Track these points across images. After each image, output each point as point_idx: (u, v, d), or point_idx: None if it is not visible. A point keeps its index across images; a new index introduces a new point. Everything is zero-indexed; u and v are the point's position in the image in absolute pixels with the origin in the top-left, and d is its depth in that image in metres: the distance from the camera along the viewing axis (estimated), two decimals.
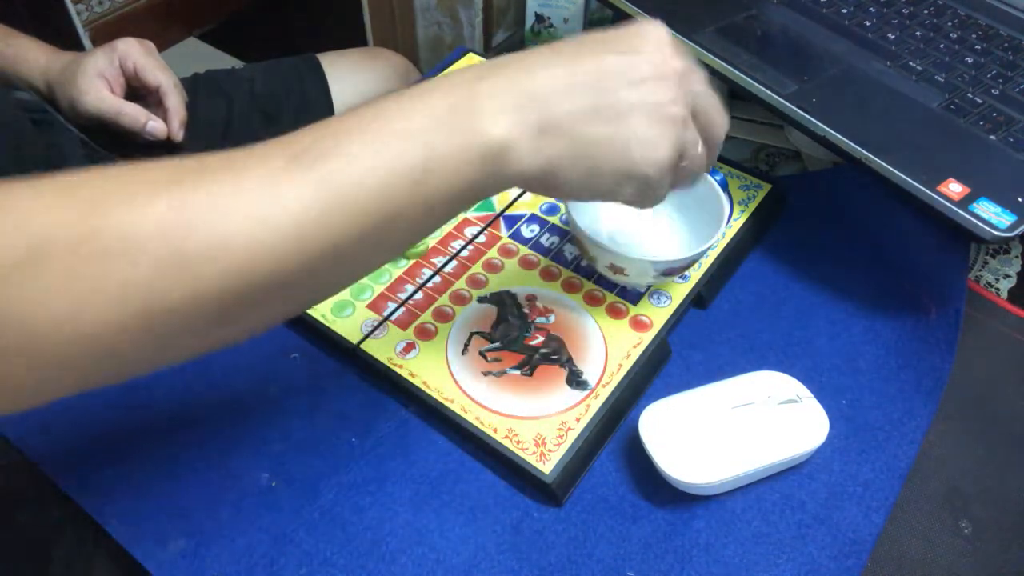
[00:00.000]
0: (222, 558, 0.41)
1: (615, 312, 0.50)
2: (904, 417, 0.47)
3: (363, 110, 0.30)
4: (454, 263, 0.53)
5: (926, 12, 0.62)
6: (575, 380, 0.47)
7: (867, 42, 0.59)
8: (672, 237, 0.54)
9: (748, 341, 0.51)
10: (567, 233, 0.56)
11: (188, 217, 0.26)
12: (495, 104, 0.30)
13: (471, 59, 0.70)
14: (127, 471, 0.44)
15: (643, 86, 0.32)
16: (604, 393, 0.46)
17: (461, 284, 0.52)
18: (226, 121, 0.75)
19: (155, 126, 0.66)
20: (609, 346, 0.48)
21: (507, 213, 0.57)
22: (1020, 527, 0.44)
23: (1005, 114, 0.53)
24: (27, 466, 0.44)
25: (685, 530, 0.42)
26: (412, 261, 0.53)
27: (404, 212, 0.30)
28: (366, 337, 0.49)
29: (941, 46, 0.59)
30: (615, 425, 0.46)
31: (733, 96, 0.68)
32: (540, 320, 0.50)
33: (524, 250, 0.55)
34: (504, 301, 0.51)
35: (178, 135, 0.68)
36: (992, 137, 0.52)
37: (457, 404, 0.45)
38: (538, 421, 0.45)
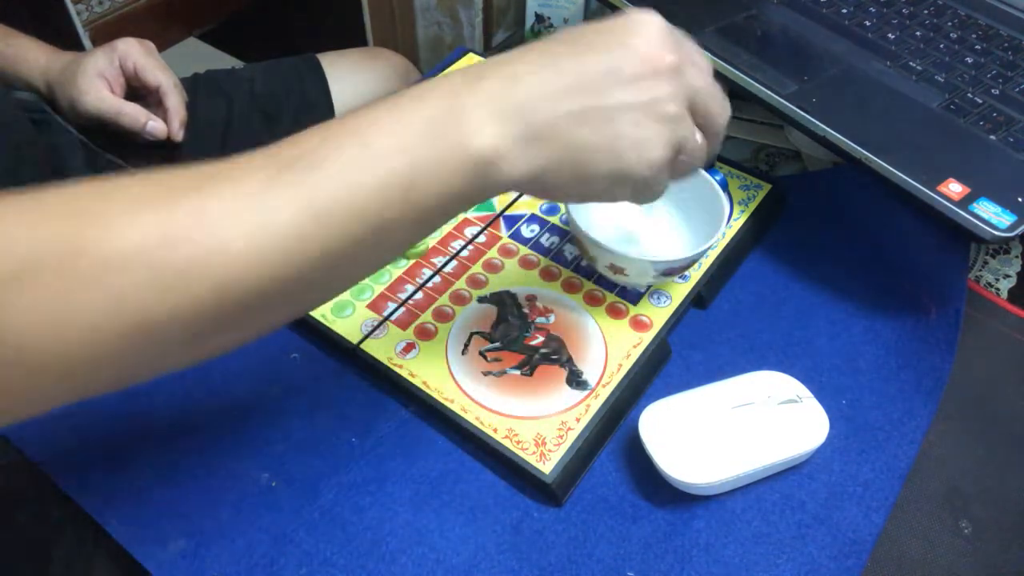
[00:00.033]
0: (222, 558, 0.41)
1: (615, 312, 0.50)
2: (904, 417, 0.47)
3: (350, 120, 0.30)
4: (454, 263, 0.53)
5: (926, 12, 0.62)
6: (575, 380, 0.47)
7: (867, 42, 0.59)
8: (672, 237, 0.54)
9: (748, 341, 0.51)
10: (567, 233, 0.56)
11: (176, 232, 0.26)
12: (481, 114, 0.30)
13: (471, 59, 0.70)
14: (127, 471, 0.44)
15: (633, 85, 0.31)
16: (604, 393, 0.46)
17: (461, 284, 0.52)
18: (226, 121, 0.75)
19: (155, 126, 0.66)
20: (609, 346, 0.48)
21: (507, 213, 0.57)
22: (1020, 527, 0.44)
23: (1005, 114, 0.53)
24: (27, 466, 0.44)
25: (685, 530, 0.42)
26: (412, 261, 0.53)
27: (393, 222, 0.29)
28: (366, 337, 0.49)
29: (941, 46, 0.59)
30: (615, 425, 0.46)
31: (733, 96, 0.68)
32: (540, 320, 0.50)
33: (524, 250, 0.55)
34: (504, 301, 0.51)
35: (178, 135, 0.68)
36: (992, 137, 0.52)
37: (457, 404, 0.45)
38: (538, 421, 0.45)
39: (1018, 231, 0.45)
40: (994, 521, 0.44)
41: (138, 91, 0.68)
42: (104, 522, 0.42)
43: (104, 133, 0.66)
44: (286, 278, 0.28)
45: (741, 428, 0.43)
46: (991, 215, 0.46)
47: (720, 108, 0.34)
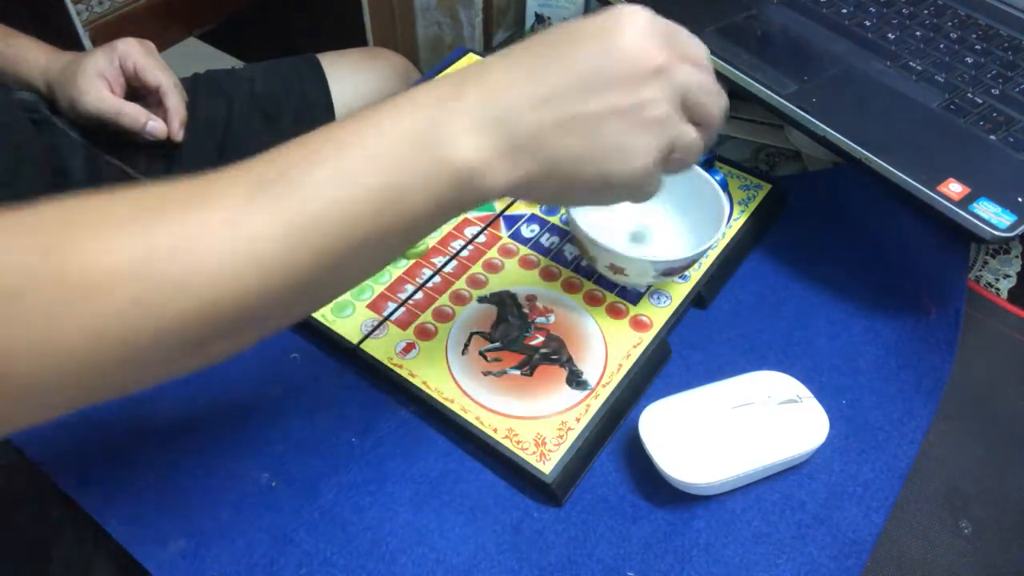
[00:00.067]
0: (222, 558, 0.41)
1: (615, 312, 0.50)
2: (904, 417, 0.47)
3: (332, 134, 0.29)
4: (454, 263, 0.53)
5: (926, 12, 0.62)
6: (575, 380, 0.47)
7: (867, 42, 0.59)
8: (672, 237, 0.54)
9: (748, 341, 0.51)
10: (567, 233, 0.56)
11: (157, 254, 0.26)
12: (463, 127, 0.29)
13: (471, 59, 0.70)
14: (127, 471, 0.44)
15: (617, 90, 0.30)
16: (604, 393, 0.46)
17: (461, 284, 0.52)
18: (226, 121, 0.75)
19: (155, 126, 0.66)
20: (609, 346, 0.48)
21: (507, 213, 0.57)
22: (1020, 527, 0.44)
23: (1005, 114, 0.53)
24: (27, 466, 0.44)
25: (685, 530, 0.42)
26: (412, 261, 0.53)
27: (377, 236, 0.29)
28: (366, 337, 0.49)
29: (941, 46, 0.59)
30: (615, 425, 0.46)
31: (733, 96, 0.68)
32: (540, 320, 0.50)
33: (524, 250, 0.55)
34: (504, 301, 0.51)
35: (178, 135, 0.68)
36: (992, 137, 0.52)
37: (457, 404, 0.45)
38: (538, 421, 0.45)
39: (1018, 231, 0.45)
40: (994, 521, 0.44)
41: (138, 91, 0.68)
42: (104, 522, 0.42)
43: (104, 133, 0.66)
44: (271, 294, 0.28)
45: (741, 428, 0.43)
46: (991, 215, 0.46)
47: (714, 101, 0.33)
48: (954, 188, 0.47)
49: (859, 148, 0.50)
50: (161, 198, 0.27)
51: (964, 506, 0.44)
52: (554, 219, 0.57)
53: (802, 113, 0.52)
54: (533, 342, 0.48)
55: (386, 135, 0.29)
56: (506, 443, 0.44)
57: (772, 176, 0.61)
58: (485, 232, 0.56)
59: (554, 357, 0.48)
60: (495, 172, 0.30)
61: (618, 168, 0.31)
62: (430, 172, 0.29)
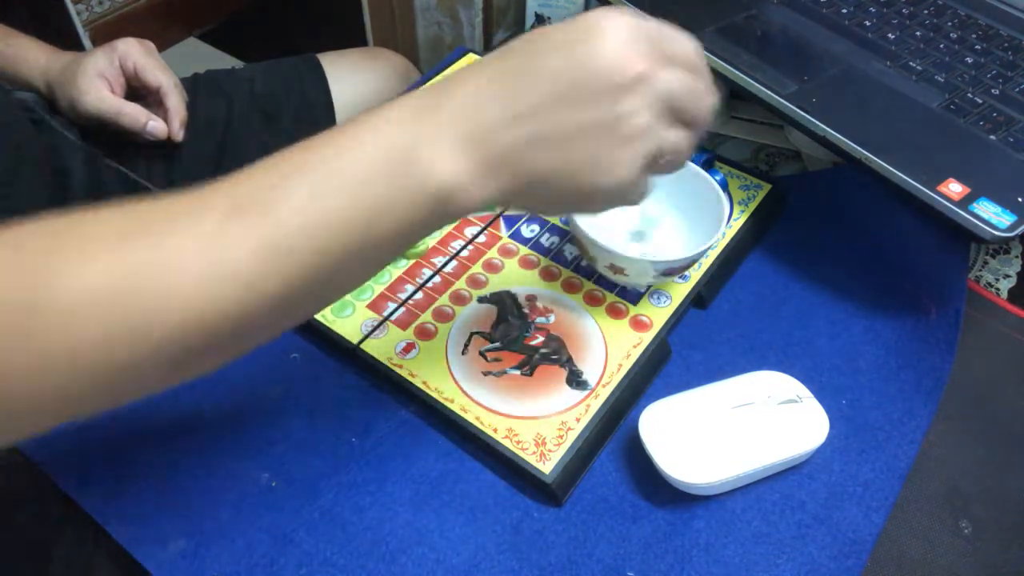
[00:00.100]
0: (222, 558, 0.41)
1: (615, 312, 0.50)
2: (904, 417, 0.47)
3: (305, 155, 0.29)
4: (454, 263, 0.53)
5: (926, 12, 0.62)
6: (575, 380, 0.47)
7: (867, 42, 0.59)
8: (672, 237, 0.54)
9: (748, 341, 0.51)
10: (567, 233, 0.56)
11: (130, 281, 0.26)
12: (438, 148, 0.29)
13: (471, 59, 0.70)
14: (127, 471, 0.44)
15: (594, 104, 0.29)
16: (604, 393, 0.46)
17: (461, 284, 0.52)
18: (226, 121, 0.75)
19: (155, 126, 0.66)
20: (609, 346, 0.48)
21: (507, 213, 0.57)
22: (1020, 527, 0.44)
23: (1005, 114, 0.53)
24: (27, 466, 0.44)
25: (685, 530, 0.42)
26: (412, 261, 0.53)
27: (351, 258, 0.29)
28: (366, 337, 0.49)
29: (941, 46, 0.59)
30: (615, 425, 0.46)
31: (733, 96, 0.68)
32: (540, 320, 0.50)
33: (524, 250, 0.55)
34: (504, 301, 0.51)
35: (178, 135, 0.68)
36: (992, 137, 0.52)
37: (457, 404, 0.45)
38: (538, 421, 0.45)
39: (1018, 231, 0.45)
40: (994, 521, 0.44)
41: (138, 91, 0.68)
42: (104, 522, 0.42)
43: (104, 133, 0.66)
44: (249, 315, 0.28)
45: (741, 428, 0.43)
46: (991, 215, 0.46)
47: (702, 104, 0.32)
48: (954, 188, 0.47)
49: (859, 148, 0.50)
50: (138, 221, 0.27)
51: (964, 506, 0.44)
52: (554, 219, 0.57)
53: (802, 113, 0.52)
54: (533, 342, 0.48)
55: (360, 159, 0.28)
56: (506, 443, 0.44)
57: (772, 176, 0.61)
58: (485, 232, 0.56)
59: (554, 357, 0.48)
60: (472, 190, 0.29)
61: (600, 181, 0.30)
62: (406, 195, 0.29)
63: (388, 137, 0.29)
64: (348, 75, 0.83)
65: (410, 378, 0.47)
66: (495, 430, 0.44)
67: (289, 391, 0.48)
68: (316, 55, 0.83)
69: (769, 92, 0.54)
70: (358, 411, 0.47)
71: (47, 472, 0.44)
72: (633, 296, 0.51)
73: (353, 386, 0.49)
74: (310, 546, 0.41)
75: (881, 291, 0.54)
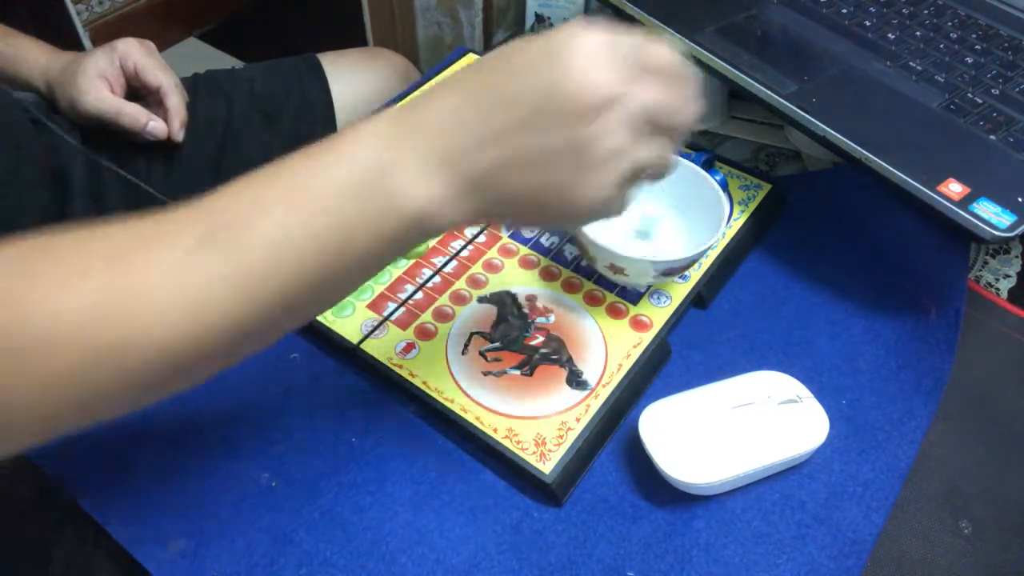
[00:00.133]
0: (222, 558, 0.41)
1: (615, 312, 0.50)
2: (904, 417, 0.47)
3: (278, 179, 0.29)
4: (454, 263, 0.53)
5: (926, 12, 0.62)
6: (575, 380, 0.47)
7: (867, 42, 0.59)
8: (672, 237, 0.54)
9: (748, 341, 0.51)
10: (567, 233, 0.56)
11: (104, 308, 0.26)
12: (411, 172, 0.28)
13: (471, 59, 0.71)
14: (127, 471, 0.44)
15: (565, 128, 0.28)
16: (604, 393, 0.46)
17: (461, 284, 0.52)
18: (226, 121, 0.75)
19: (156, 126, 0.66)
20: (609, 346, 0.48)
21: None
22: (1020, 527, 0.44)
23: (1005, 114, 0.53)
24: (27, 466, 0.44)
25: (685, 530, 0.42)
26: (412, 261, 0.53)
27: (324, 281, 0.29)
28: (366, 337, 0.49)
29: (941, 46, 0.59)
30: (615, 425, 0.46)
31: (733, 96, 0.68)
32: (540, 320, 0.50)
33: (524, 250, 0.55)
34: (504, 301, 0.51)
35: (178, 135, 0.68)
36: (992, 137, 0.52)
37: (457, 404, 0.45)
38: (538, 421, 0.45)
39: (1018, 231, 0.45)
40: (994, 521, 0.44)
41: (138, 91, 0.68)
42: (104, 522, 0.42)
43: (104, 133, 0.66)
44: (222, 339, 0.28)
45: (741, 428, 0.43)
46: (991, 215, 0.46)
47: (680, 117, 0.31)
48: (954, 188, 0.47)
49: (859, 148, 0.50)
50: (111, 248, 0.27)
51: (964, 506, 0.44)
52: None
53: (802, 113, 0.52)
54: (533, 342, 0.48)
55: (334, 184, 0.28)
56: (506, 443, 0.44)
57: (772, 176, 0.61)
58: (485, 232, 0.56)
59: (554, 357, 0.48)
60: (447, 212, 0.29)
61: (575, 202, 0.30)
62: (380, 219, 0.29)
63: (362, 160, 0.29)
64: (348, 75, 0.83)
65: (410, 378, 0.47)
66: (495, 430, 0.44)
67: (289, 391, 0.48)
68: (316, 55, 0.83)
69: (769, 92, 0.54)
70: (358, 411, 0.47)
71: (47, 472, 0.44)
72: (633, 296, 0.51)
73: (353, 386, 0.49)
74: (310, 546, 0.41)
75: (881, 291, 0.54)
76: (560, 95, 0.28)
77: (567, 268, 0.53)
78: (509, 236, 0.55)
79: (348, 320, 0.50)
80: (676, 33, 0.58)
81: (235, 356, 0.30)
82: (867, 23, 0.61)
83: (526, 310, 0.50)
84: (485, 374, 0.47)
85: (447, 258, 0.54)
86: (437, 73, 0.69)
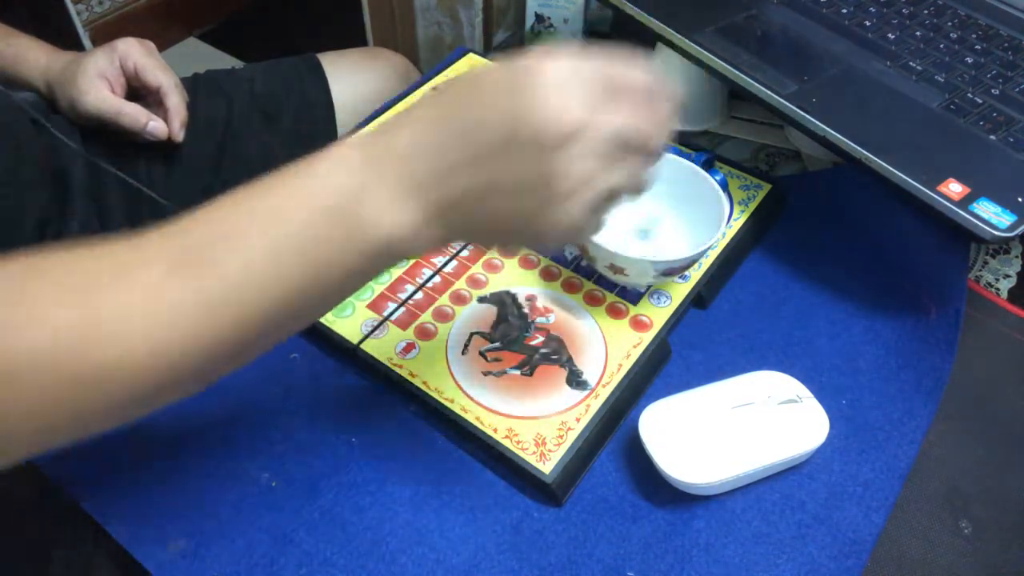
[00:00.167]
0: (222, 558, 0.41)
1: (615, 312, 0.50)
2: (904, 417, 0.47)
3: (251, 204, 0.29)
4: (454, 263, 0.53)
5: (926, 12, 0.62)
6: (575, 380, 0.47)
7: (867, 42, 0.59)
8: (672, 237, 0.54)
9: (748, 341, 0.51)
10: None
11: (75, 341, 0.26)
12: (379, 199, 0.29)
13: (471, 59, 0.70)
14: (127, 471, 0.44)
15: (532, 159, 0.28)
16: (604, 393, 0.46)
17: (461, 284, 0.52)
18: (226, 121, 0.75)
19: (156, 126, 0.66)
20: (609, 346, 0.48)
21: None
22: (1020, 527, 0.44)
23: (1005, 114, 0.53)
24: (27, 466, 0.44)
25: (685, 530, 0.42)
26: (412, 261, 0.53)
27: (298, 304, 0.29)
28: (366, 337, 0.49)
29: (941, 46, 0.59)
30: (615, 425, 0.46)
31: (733, 96, 0.68)
32: (540, 320, 0.50)
33: (524, 250, 0.55)
34: (504, 301, 0.51)
35: (179, 135, 0.68)
36: (992, 137, 0.52)
37: (457, 404, 0.45)
38: (538, 421, 0.45)
39: (1018, 231, 0.45)
40: (994, 521, 0.44)
41: (138, 91, 0.68)
42: (104, 522, 0.42)
43: (104, 133, 0.66)
44: (198, 361, 0.28)
45: (741, 428, 0.43)
46: (991, 215, 0.46)
47: (652, 140, 0.30)
48: (954, 188, 0.47)
49: (859, 148, 0.50)
50: (84, 275, 0.27)
51: (964, 506, 0.44)
52: None
53: (802, 113, 0.52)
54: (533, 342, 0.48)
55: (305, 210, 0.29)
56: (506, 443, 0.44)
57: (772, 176, 0.61)
58: None
59: (554, 357, 0.48)
60: (415, 239, 0.30)
61: (547, 228, 0.30)
62: (351, 245, 0.29)
63: (332, 187, 0.29)
64: (348, 75, 0.83)
65: (410, 378, 0.47)
66: (495, 430, 0.44)
67: (289, 391, 0.48)
68: (316, 55, 0.83)
69: (769, 92, 0.54)
70: (358, 411, 0.47)
71: (47, 473, 0.44)
72: (633, 296, 0.51)
73: (353, 386, 0.49)
74: (310, 546, 0.41)
75: (881, 291, 0.54)
76: (527, 127, 0.27)
77: (567, 268, 0.53)
78: None
79: (348, 320, 0.50)
80: (675, 32, 0.58)
81: (215, 374, 0.30)
82: (867, 23, 0.61)
83: (526, 310, 0.50)
84: (485, 374, 0.47)
85: (447, 258, 0.54)
86: (437, 73, 0.69)
